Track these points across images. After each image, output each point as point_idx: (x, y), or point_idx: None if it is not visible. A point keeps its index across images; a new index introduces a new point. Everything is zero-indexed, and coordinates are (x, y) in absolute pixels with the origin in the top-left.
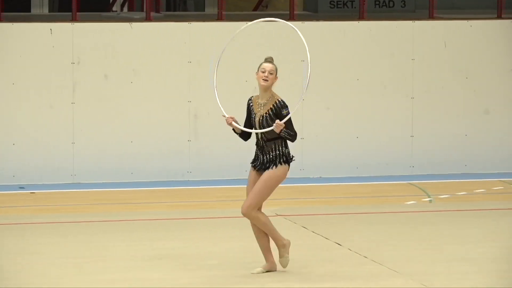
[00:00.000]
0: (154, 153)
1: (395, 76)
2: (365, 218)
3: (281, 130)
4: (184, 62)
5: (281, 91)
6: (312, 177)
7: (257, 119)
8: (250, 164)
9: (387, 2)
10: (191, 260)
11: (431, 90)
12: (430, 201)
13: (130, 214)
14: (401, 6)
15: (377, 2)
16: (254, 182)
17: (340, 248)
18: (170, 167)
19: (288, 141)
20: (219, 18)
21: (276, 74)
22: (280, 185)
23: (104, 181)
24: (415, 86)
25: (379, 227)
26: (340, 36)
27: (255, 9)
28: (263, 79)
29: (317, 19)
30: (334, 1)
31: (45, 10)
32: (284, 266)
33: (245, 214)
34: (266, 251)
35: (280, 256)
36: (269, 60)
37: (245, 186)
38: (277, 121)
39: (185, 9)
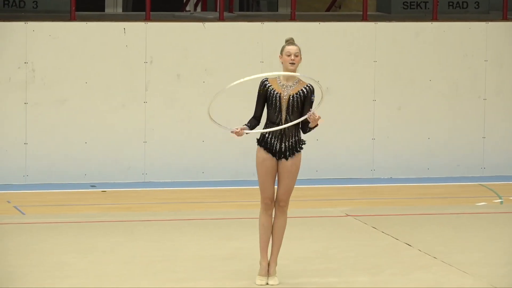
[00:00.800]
0: (225, 153)
1: (468, 77)
2: (435, 219)
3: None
4: (256, 62)
5: None
6: (382, 177)
7: (284, 99)
8: (262, 151)
9: (460, 3)
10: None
11: (503, 92)
12: (501, 202)
13: (200, 213)
14: (475, 7)
15: (451, 3)
16: (273, 171)
17: (410, 248)
18: (240, 167)
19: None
20: (291, 18)
21: (300, 55)
22: (350, 185)
23: (174, 180)
24: (487, 87)
25: (449, 228)
26: (413, 36)
27: (328, 9)
28: (290, 63)
29: (390, 20)
30: (407, 2)
31: (119, 10)
32: (257, 283)
33: (284, 207)
34: (270, 260)
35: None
36: (291, 41)
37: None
38: (314, 112)
39: (258, 9)
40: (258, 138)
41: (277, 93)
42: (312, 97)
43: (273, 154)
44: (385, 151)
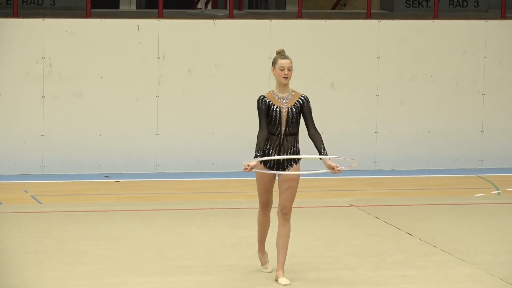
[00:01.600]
0: (234, 145)
1: (467, 73)
2: (435, 209)
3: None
4: (264, 58)
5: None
6: (385, 169)
7: (284, 111)
8: (256, 156)
9: (460, 2)
10: (267, 247)
11: (501, 87)
12: (498, 193)
13: (210, 203)
14: (474, 6)
15: (451, 2)
16: (270, 183)
17: (411, 237)
18: (249, 158)
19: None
20: (298, 16)
21: (292, 68)
22: (354, 177)
23: (185, 171)
24: (486, 83)
25: (448, 218)
26: (415, 34)
27: (333, 7)
28: (283, 77)
29: (393, 18)
30: (410, 0)
31: (133, 7)
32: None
33: (287, 214)
34: (277, 267)
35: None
36: (283, 54)
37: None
38: (336, 165)
39: (266, 7)
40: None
41: (276, 107)
42: (309, 106)
43: (269, 166)
44: (388, 144)
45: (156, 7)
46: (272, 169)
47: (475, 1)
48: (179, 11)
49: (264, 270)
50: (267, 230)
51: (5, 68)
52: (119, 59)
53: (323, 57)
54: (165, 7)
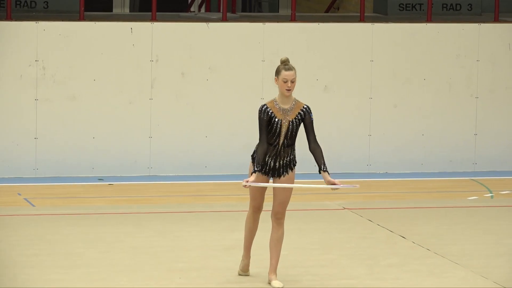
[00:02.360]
0: (228, 148)
1: (461, 76)
2: (428, 212)
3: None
4: (258, 61)
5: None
6: (378, 172)
7: (284, 125)
8: (255, 170)
9: (454, 5)
10: (261, 251)
11: (495, 90)
12: (492, 196)
13: (203, 205)
14: (468, 9)
15: (445, 5)
16: (263, 189)
17: (404, 241)
18: (242, 161)
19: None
20: (292, 19)
21: (295, 79)
22: (347, 179)
23: (179, 174)
24: (479, 86)
25: (442, 221)
26: (409, 37)
27: (327, 10)
28: (286, 90)
29: (386, 21)
30: (403, 4)
31: (126, 10)
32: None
33: (280, 219)
34: (270, 270)
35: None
36: (287, 64)
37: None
38: (335, 181)
39: (259, 10)
40: (252, 154)
41: (278, 120)
42: (311, 117)
43: (267, 173)
44: (381, 147)
45: (149, 10)
46: (268, 175)
47: (468, 5)
48: (173, 14)
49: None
50: (254, 234)
51: None
52: (113, 62)
53: (316, 60)
54: (158, 10)
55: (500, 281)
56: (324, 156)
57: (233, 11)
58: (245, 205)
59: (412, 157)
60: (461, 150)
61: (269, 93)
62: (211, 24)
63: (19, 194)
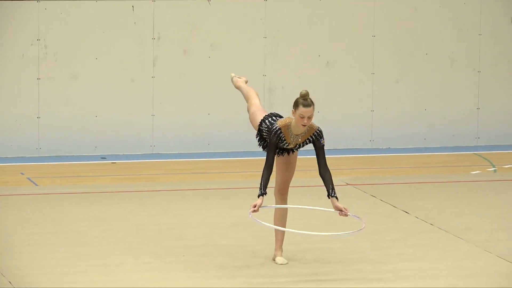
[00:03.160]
0: (230, 125)
1: (463, 50)
2: (431, 187)
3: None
4: (260, 38)
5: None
6: (381, 147)
7: (291, 145)
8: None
9: None
10: (263, 230)
11: (497, 64)
12: (494, 171)
13: (206, 183)
14: None
15: None
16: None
17: (407, 216)
18: (245, 138)
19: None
20: None
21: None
22: (350, 155)
23: (181, 152)
24: (481, 60)
25: (445, 196)
26: (411, 11)
27: None
28: (302, 125)
29: None
30: None
31: None
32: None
33: (284, 194)
34: (277, 247)
35: None
36: (306, 101)
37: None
38: (344, 207)
39: None
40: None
41: (287, 144)
42: (321, 141)
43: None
44: (384, 122)
45: None
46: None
47: None
48: None
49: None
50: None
51: (0, 50)
52: (114, 40)
53: (318, 36)
54: None
55: (504, 255)
56: (333, 181)
57: None
58: (249, 182)
59: (414, 132)
60: (463, 125)
61: (271, 69)
62: (213, 1)
63: (22, 174)
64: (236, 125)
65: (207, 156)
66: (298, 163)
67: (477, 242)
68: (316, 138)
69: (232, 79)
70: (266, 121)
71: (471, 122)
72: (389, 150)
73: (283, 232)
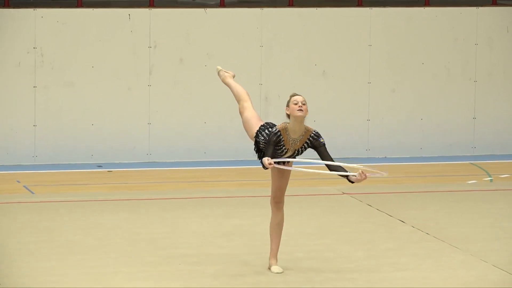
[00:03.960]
0: (226, 134)
1: (459, 60)
2: (428, 197)
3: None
4: (256, 46)
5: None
6: (377, 157)
7: (289, 152)
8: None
9: None
10: (258, 236)
11: (493, 74)
12: (491, 180)
13: (201, 192)
14: None
15: None
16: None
17: (403, 225)
18: (241, 147)
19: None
20: (289, 4)
21: (307, 106)
22: (346, 164)
23: (177, 160)
24: (478, 70)
25: (441, 205)
26: (406, 21)
27: None
28: (298, 110)
29: (384, 5)
30: None
31: None
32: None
33: (279, 203)
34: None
35: None
36: (296, 93)
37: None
38: (362, 172)
39: None
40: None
41: (284, 148)
42: (321, 140)
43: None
44: (380, 131)
45: None
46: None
47: None
48: (171, 0)
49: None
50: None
51: None
52: (111, 48)
53: (314, 46)
54: None
55: (499, 264)
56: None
57: None
58: (243, 191)
59: (411, 141)
60: (460, 134)
61: (267, 78)
62: (209, 10)
63: (18, 182)
64: (232, 134)
65: (203, 164)
66: (293, 172)
67: (472, 251)
68: (314, 139)
69: (219, 73)
70: (263, 133)
71: (467, 132)
72: (385, 159)
73: (278, 240)
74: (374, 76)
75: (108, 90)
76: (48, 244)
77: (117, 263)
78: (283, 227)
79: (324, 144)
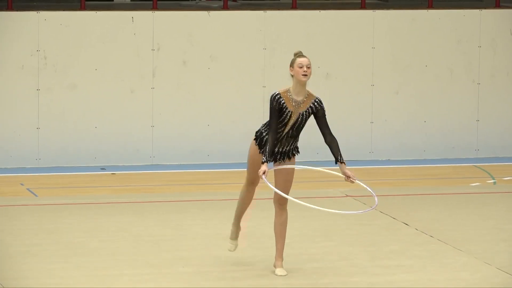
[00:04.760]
0: (230, 136)
1: (462, 62)
2: (431, 199)
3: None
4: (259, 49)
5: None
6: (381, 159)
7: (294, 116)
8: (255, 148)
9: None
10: (262, 239)
11: (496, 76)
12: (494, 182)
13: (205, 194)
14: None
15: None
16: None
17: (407, 227)
18: (244, 149)
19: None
20: (293, 6)
21: (311, 68)
22: (349, 167)
23: (181, 163)
24: (481, 72)
25: (444, 208)
26: (410, 24)
27: None
28: (303, 75)
29: (388, 8)
30: None
31: None
32: (229, 248)
33: (283, 205)
34: (276, 256)
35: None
36: (301, 54)
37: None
38: (352, 174)
39: None
40: (256, 134)
41: (289, 110)
42: (323, 109)
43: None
44: (383, 134)
45: None
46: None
47: None
48: (174, 2)
49: (229, 244)
50: (248, 205)
51: (0, 61)
52: (114, 51)
53: (318, 48)
54: None
55: (503, 267)
56: (340, 149)
57: (234, 0)
58: None
59: (414, 143)
60: (463, 137)
61: (270, 81)
62: (212, 13)
63: (22, 184)
64: (235, 136)
65: (206, 167)
66: (296, 174)
67: (476, 254)
68: (318, 105)
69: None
70: (260, 129)
71: (471, 134)
72: (388, 161)
73: (283, 240)
74: (377, 78)
75: (111, 93)
76: (51, 247)
77: (121, 266)
78: (286, 230)
79: (325, 114)
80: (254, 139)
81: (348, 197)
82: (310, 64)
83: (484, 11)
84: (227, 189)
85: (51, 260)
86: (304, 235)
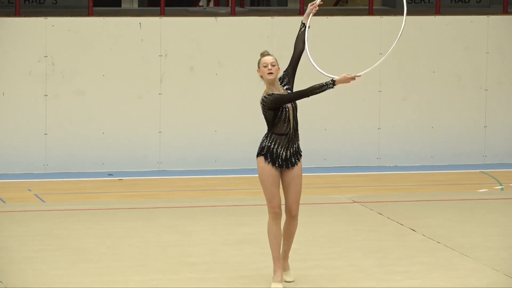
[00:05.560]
0: (237, 142)
1: (470, 68)
2: (438, 205)
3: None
4: None
5: None
6: (388, 165)
7: (291, 112)
8: (263, 161)
9: None
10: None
11: (504, 82)
12: (502, 189)
13: (213, 200)
14: (476, 1)
15: None
16: (278, 180)
17: (414, 233)
18: (252, 155)
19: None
20: (300, 12)
21: (277, 65)
22: (357, 173)
23: (188, 169)
24: (488, 79)
25: (452, 214)
26: (417, 30)
27: (335, 4)
28: (268, 73)
29: (395, 14)
30: None
31: (135, 5)
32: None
33: (295, 216)
34: (282, 257)
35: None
36: (266, 53)
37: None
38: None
39: (268, 4)
40: (259, 151)
41: (287, 108)
42: (283, 71)
43: (278, 164)
44: (390, 140)
45: (158, 5)
46: (282, 167)
47: None
48: (181, 8)
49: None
50: (281, 240)
51: (8, 67)
52: (121, 57)
53: (325, 54)
54: (167, 4)
55: (511, 273)
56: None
57: (242, 5)
58: (254, 199)
59: (421, 150)
60: (470, 143)
61: None
62: (220, 19)
63: (29, 190)
64: (242, 142)
65: (213, 173)
66: (304, 180)
67: (483, 260)
68: (285, 77)
69: None
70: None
71: (478, 140)
72: (396, 167)
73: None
74: (384, 84)
75: (118, 99)
76: (59, 252)
77: (128, 271)
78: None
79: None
80: (262, 155)
81: (355, 203)
82: (275, 61)
83: (491, 17)
84: (234, 195)
85: (58, 265)
86: (312, 241)
